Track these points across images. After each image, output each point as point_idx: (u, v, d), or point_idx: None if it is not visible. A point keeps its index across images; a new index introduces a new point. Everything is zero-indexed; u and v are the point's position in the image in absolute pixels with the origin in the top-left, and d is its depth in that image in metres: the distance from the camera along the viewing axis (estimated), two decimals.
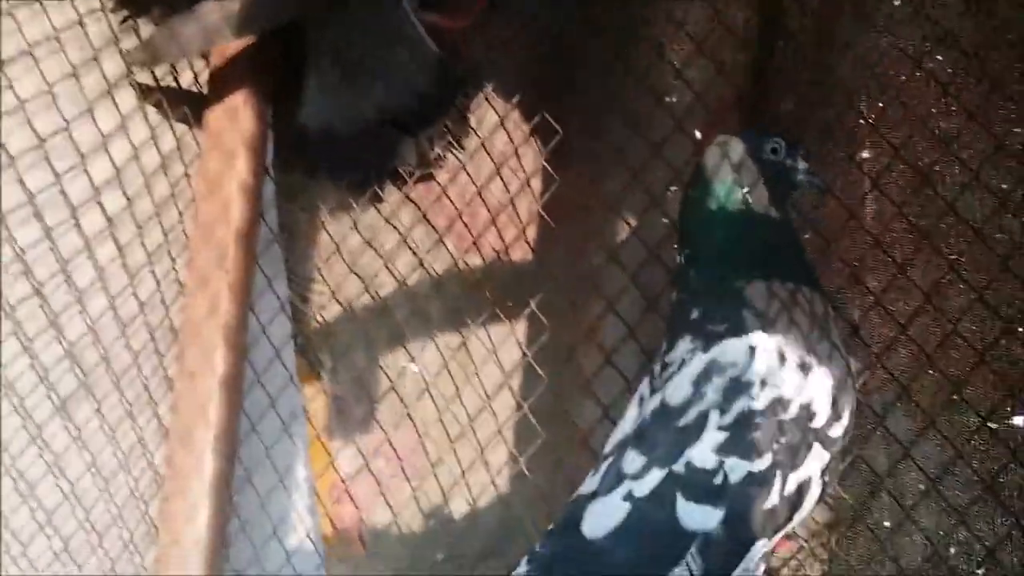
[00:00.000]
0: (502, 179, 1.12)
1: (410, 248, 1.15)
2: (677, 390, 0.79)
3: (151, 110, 1.06)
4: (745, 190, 0.84)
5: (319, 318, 1.17)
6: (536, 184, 1.12)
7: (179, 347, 1.13)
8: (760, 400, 0.76)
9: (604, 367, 1.05)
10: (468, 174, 1.12)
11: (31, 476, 0.95)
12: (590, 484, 0.82)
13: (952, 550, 0.93)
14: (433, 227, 1.15)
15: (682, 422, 0.78)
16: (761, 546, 0.78)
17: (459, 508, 1.11)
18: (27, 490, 0.95)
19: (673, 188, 1.04)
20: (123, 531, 1.08)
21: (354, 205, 1.16)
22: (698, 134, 1.05)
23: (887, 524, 0.96)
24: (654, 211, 1.05)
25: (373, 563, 1.15)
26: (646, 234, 1.06)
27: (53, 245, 0.94)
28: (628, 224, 1.07)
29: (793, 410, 0.76)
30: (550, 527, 0.83)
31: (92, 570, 1.04)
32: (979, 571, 0.92)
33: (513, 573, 0.82)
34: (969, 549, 0.93)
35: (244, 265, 1.11)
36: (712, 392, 0.78)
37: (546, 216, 1.09)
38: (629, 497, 0.78)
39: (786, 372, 0.77)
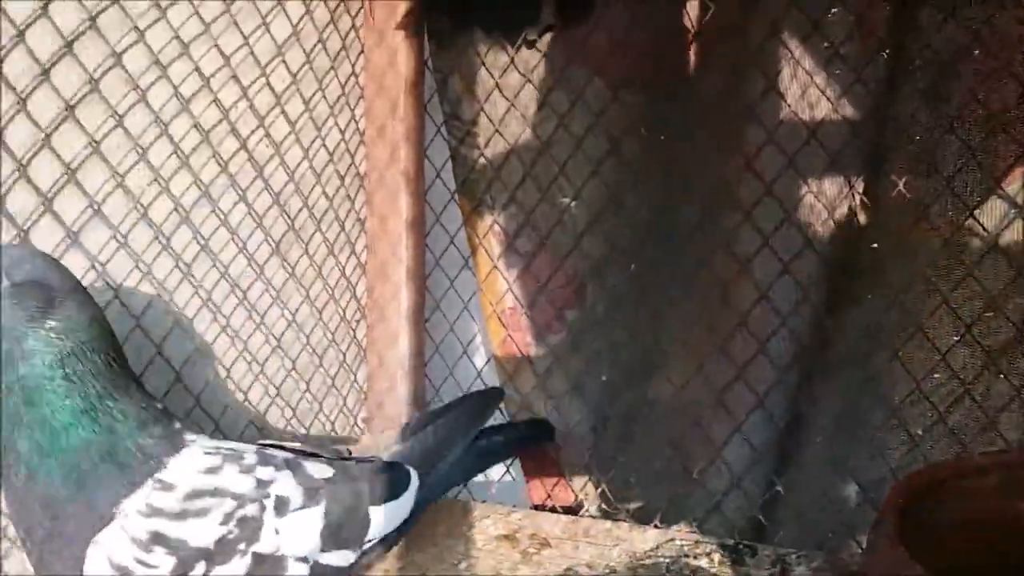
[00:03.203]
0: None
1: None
2: None
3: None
4: None
5: (483, 159, 1.23)
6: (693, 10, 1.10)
7: (367, 193, 1.25)
8: None
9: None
10: None
11: (260, 307, 1.11)
12: None
13: None
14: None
15: None
16: None
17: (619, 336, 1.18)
18: (258, 319, 1.12)
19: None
20: (338, 353, 1.26)
21: (509, 47, 1.19)
22: None
23: None
24: None
25: (547, 383, 1.24)
26: None
27: (250, 102, 1.06)
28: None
29: None
30: None
31: (317, 386, 1.21)
32: None
33: None
34: None
35: (414, 113, 1.20)
36: None
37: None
38: None
39: None
